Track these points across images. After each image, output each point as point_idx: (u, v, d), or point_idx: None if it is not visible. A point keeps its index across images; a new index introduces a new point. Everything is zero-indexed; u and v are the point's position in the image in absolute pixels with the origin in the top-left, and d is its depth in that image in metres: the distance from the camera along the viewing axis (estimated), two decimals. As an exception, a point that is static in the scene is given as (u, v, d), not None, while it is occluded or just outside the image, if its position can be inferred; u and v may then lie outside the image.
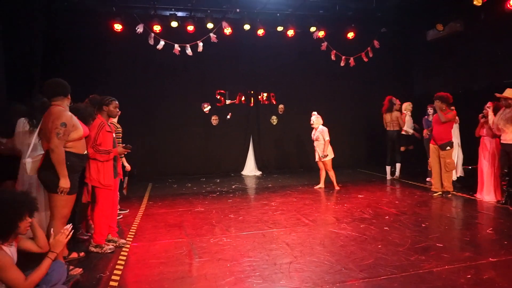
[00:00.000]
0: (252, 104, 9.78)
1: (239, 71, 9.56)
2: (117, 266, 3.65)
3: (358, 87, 10.19)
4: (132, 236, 4.61)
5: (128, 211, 5.86)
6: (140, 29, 7.82)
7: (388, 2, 8.49)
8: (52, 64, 7.61)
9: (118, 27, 7.84)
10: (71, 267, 3.44)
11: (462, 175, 7.49)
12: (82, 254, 3.92)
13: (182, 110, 9.20)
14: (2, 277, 2.38)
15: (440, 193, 6.39)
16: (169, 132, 9.15)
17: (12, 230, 2.51)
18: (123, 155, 5.16)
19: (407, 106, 8.11)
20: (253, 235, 4.51)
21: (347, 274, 3.34)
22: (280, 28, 8.65)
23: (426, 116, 7.57)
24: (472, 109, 6.62)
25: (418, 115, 8.09)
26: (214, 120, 9.53)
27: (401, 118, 7.87)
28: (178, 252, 4.00)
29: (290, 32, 8.71)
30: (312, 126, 7.24)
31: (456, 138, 7.10)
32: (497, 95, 5.57)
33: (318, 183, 7.47)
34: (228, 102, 9.60)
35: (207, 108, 9.46)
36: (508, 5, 6.59)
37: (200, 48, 8.28)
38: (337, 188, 7.24)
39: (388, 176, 8.19)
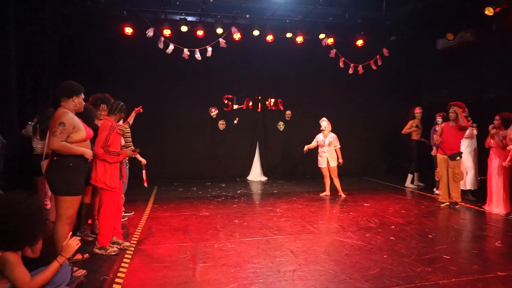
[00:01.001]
0: (259, 110, 9.80)
1: (247, 76, 9.59)
2: (120, 269, 3.65)
3: (366, 95, 10.15)
4: (137, 239, 4.62)
5: (133, 213, 5.88)
6: (150, 32, 7.89)
7: (398, 11, 8.47)
8: (64, 66, 7.71)
9: (128, 30, 7.91)
10: (75, 268, 3.44)
11: (475, 188, 6.97)
12: (86, 255, 3.93)
13: (190, 114, 9.25)
14: (9, 274, 2.39)
15: (447, 203, 6.32)
16: (176, 135, 9.19)
17: (32, 244, 2.56)
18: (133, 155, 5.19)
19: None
20: (257, 241, 4.49)
21: (351, 284, 3.30)
22: (289, 35, 8.67)
23: (435, 126, 7.50)
24: (482, 120, 6.55)
25: (426, 124, 8.03)
26: (221, 124, 9.56)
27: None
28: (182, 257, 3.99)
29: (299, 39, 8.72)
30: (322, 131, 7.21)
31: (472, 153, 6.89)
32: None
33: (324, 190, 7.43)
34: (235, 107, 9.63)
35: (214, 112, 9.49)
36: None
37: (209, 53, 8.33)
38: (342, 195, 7.20)
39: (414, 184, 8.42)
